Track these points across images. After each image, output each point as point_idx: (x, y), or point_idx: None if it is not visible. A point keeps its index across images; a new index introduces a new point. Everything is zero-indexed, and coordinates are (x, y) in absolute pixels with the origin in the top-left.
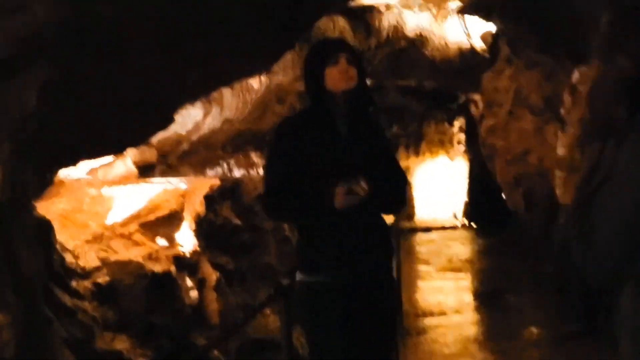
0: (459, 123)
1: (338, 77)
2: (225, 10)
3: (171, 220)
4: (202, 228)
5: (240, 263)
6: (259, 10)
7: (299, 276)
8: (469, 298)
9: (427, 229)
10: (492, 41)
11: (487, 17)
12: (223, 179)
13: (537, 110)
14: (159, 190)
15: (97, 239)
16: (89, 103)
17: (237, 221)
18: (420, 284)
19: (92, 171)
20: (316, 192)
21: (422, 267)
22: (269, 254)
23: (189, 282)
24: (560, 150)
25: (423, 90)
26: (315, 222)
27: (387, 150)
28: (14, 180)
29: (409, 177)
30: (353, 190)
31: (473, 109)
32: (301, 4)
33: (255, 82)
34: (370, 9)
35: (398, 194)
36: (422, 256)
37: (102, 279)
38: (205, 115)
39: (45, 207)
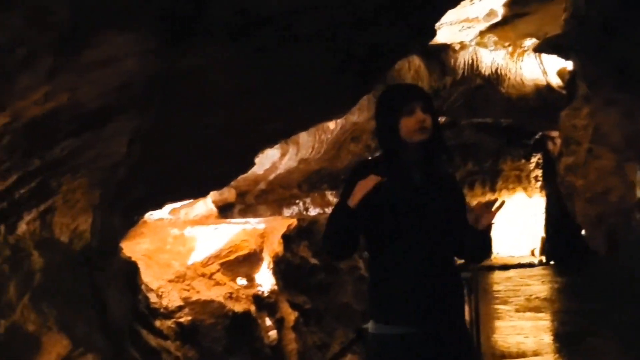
0: (535, 159)
1: (414, 127)
2: (305, 61)
3: (250, 260)
4: (280, 268)
5: (318, 303)
6: (338, 60)
7: (371, 326)
8: (549, 339)
9: (505, 267)
10: (569, 78)
11: (564, 55)
12: (300, 218)
13: (617, 148)
14: (239, 230)
15: (179, 278)
16: (174, 150)
17: (314, 261)
18: (499, 324)
19: (173, 211)
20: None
21: (500, 307)
22: (346, 294)
23: (268, 322)
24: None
25: (499, 126)
26: (385, 256)
27: (463, 199)
28: (103, 226)
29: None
30: None
31: (550, 145)
32: (378, 54)
33: (331, 122)
34: (445, 48)
35: (486, 244)
36: (500, 295)
37: (185, 318)
38: (282, 155)
39: (130, 248)
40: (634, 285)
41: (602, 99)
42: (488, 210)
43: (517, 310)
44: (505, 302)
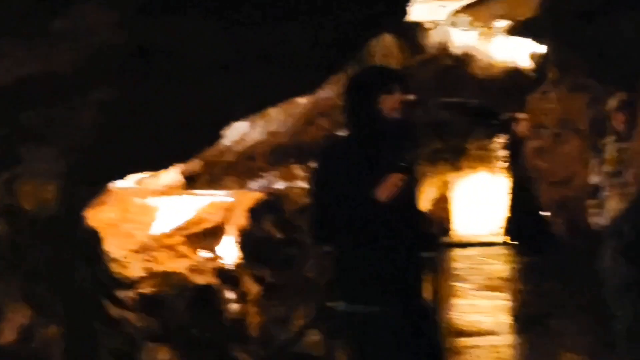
0: (501, 140)
1: (395, 105)
2: (279, 37)
3: (215, 233)
4: (245, 241)
5: (281, 277)
6: (311, 36)
7: (340, 306)
8: (507, 319)
9: (466, 245)
10: (540, 62)
11: (536, 39)
12: (267, 192)
13: (584, 134)
14: (205, 202)
15: (142, 248)
16: (143, 122)
17: (279, 234)
18: (457, 302)
19: (139, 180)
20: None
21: (460, 284)
22: (310, 268)
23: (230, 295)
24: (593, 179)
25: (466, 106)
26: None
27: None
28: (68, 195)
29: (448, 191)
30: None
31: (516, 127)
32: (351, 31)
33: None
34: (417, 26)
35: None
36: (461, 273)
37: (147, 289)
38: (251, 127)
39: (94, 216)
40: (593, 269)
41: (572, 84)
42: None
43: (477, 289)
44: (465, 280)
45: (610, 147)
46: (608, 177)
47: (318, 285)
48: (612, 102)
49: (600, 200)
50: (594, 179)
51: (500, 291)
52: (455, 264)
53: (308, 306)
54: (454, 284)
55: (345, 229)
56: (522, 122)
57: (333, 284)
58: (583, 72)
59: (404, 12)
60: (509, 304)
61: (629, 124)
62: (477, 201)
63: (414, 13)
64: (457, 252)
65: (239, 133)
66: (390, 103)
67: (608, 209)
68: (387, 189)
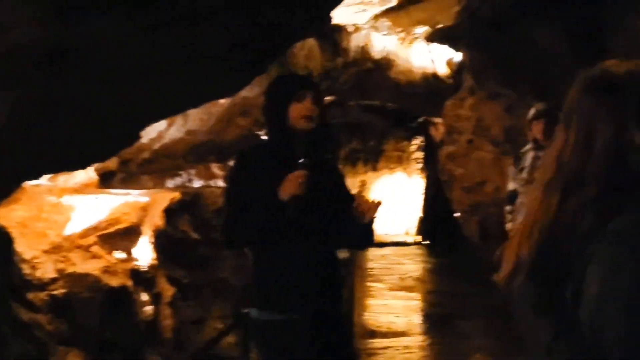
0: (417, 141)
1: (302, 114)
2: (202, 39)
3: (130, 234)
4: (160, 242)
5: (196, 277)
6: (235, 39)
7: (254, 313)
8: (418, 319)
9: (380, 244)
10: (457, 69)
11: (453, 46)
12: (184, 191)
13: (497, 141)
14: (120, 202)
15: (55, 249)
16: (60, 121)
17: (195, 235)
18: (372, 302)
19: (52, 177)
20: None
21: (373, 285)
22: (225, 269)
23: (144, 297)
24: (511, 186)
25: (385, 108)
26: (272, 245)
27: (347, 189)
28: None
29: (365, 191)
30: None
31: (432, 130)
32: (275, 35)
33: None
34: (339, 29)
35: (368, 235)
36: (375, 272)
37: (59, 291)
38: (169, 125)
39: (4, 215)
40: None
41: (487, 92)
42: (370, 205)
43: (390, 289)
44: (379, 280)
45: (528, 155)
46: (525, 184)
47: (234, 286)
48: (531, 111)
49: (516, 207)
50: (512, 185)
51: (413, 291)
52: (370, 264)
53: (224, 307)
54: (368, 284)
55: (258, 232)
56: (438, 126)
57: (248, 288)
58: (498, 81)
59: (329, 20)
60: (422, 304)
61: (546, 133)
62: (394, 201)
63: (337, 15)
64: (373, 252)
65: (156, 131)
66: (298, 110)
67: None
68: (287, 187)
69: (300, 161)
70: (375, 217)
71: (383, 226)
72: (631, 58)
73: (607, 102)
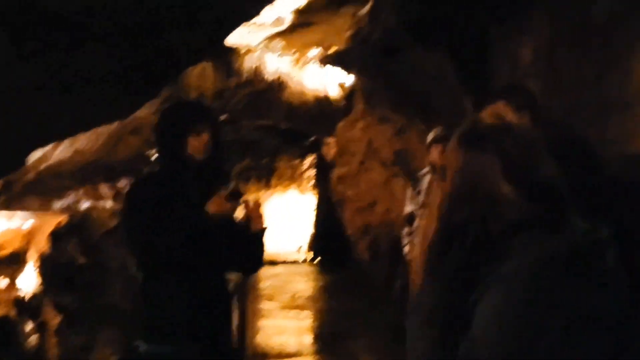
0: (310, 159)
1: (201, 147)
2: (95, 62)
3: (14, 261)
4: (46, 267)
5: (84, 303)
6: (128, 62)
7: (142, 346)
8: (310, 340)
9: (272, 262)
10: (349, 92)
11: (345, 69)
12: (71, 214)
13: (387, 163)
14: (3, 228)
15: None
16: None
17: (83, 259)
18: (264, 323)
19: None
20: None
21: (265, 305)
22: (114, 294)
23: (29, 326)
24: (408, 208)
25: (278, 128)
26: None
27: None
28: None
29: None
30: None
31: (324, 149)
32: (170, 59)
33: None
34: (232, 50)
35: (258, 251)
36: (266, 292)
37: None
38: (56, 144)
39: None
40: (391, 290)
41: (377, 116)
42: (257, 212)
43: (282, 308)
44: (270, 300)
45: (426, 178)
46: (422, 208)
47: (123, 310)
48: (430, 136)
49: (413, 229)
50: (409, 208)
51: (305, 310)
52: (262, 284)
53: (112, 333)
54: (260, 304)
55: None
56: (330, 145)
57: (142, 326)
58: (388, 105)
59: (224, 44)
60: (313, 323)
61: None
62: (286, 219)
63: (230, 37)
64: (265, 271)
65: (42, 150)
66: (197, 143)
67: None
68: (216, 208)
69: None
70: (265, 228)
71: (275, 244)
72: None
73: (476, 155)
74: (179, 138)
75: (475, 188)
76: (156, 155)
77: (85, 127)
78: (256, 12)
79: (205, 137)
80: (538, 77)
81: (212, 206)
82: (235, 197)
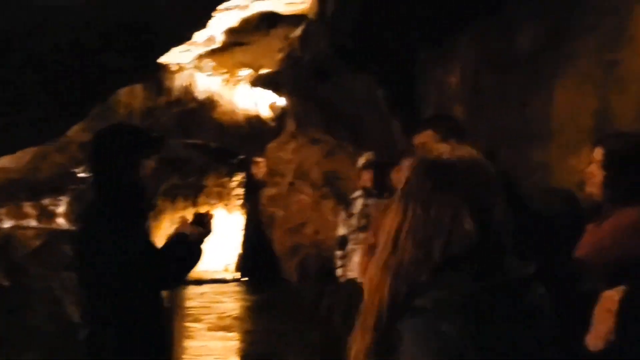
0: (238, 178)
1: (148, 173)
2: (22, 84)
3: None
4: None
5: (6, 326)
6: (57, 85)
7: None
8: None
9: (199, 282)
10: (280, 114)
11: (276, 91)
12: None
13: (317, 184)
14: None
15: None
16: None
17: (6, 282)
18: (190, 344)
19: None
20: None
21: (192, 325)
22: (38, 316)
23: None
24: (341, 231)
25: (207, 146)
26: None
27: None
28: None
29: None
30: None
31: (253, 168)
32: (101, 81)
33: None
34: (163, 68)
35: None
36: (193, 312)
37: None
38: None
39: None
40: (319, 310)
41: (308, 138)
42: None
43: (209, 329)
44: (197, 320)
45: (358, 202)
46: (354, 230)
47: (48, 333)
48: (360, 161)
49: (346, 252)
50: (342, 230)
51: (232, 331)
52: (189, 303)
53: (36, 356)
54: (187, 324)
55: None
56: (259, 164)
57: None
58: (319, 127)
59: (155, 65)
60: (240, 344)
61: (376, 182)
62: (213, 237)
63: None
64: (192, 291)
65: None
66: (151, 165)
67: (353, 261)
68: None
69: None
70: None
71: (202, 262)
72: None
73: (441, 187)
74: (133, 160)
75: (441, 222)
76: (95, 177)
77: (12, 149)
78: (189, 36)
79: (153, 163)
80: (464, 103)
81: (178, 227)
82: (200, 220)
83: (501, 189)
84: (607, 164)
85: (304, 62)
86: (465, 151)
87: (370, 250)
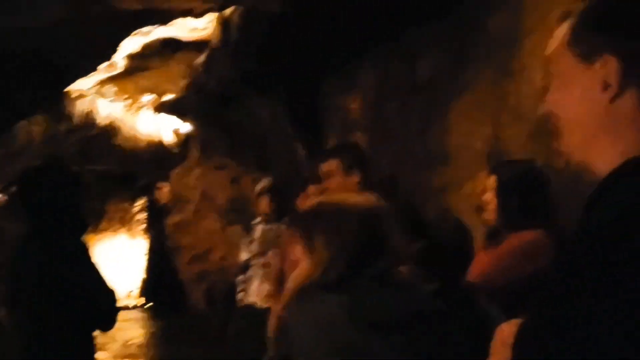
0: (140, 202)
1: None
2: None
3: None
4: None
5: None
6: None
7: None
8: None
9: None
10: (184, 140)
11: (181, 117)
12: None
13: (222, 210)
14: None
15: None
16: None
17: None
18: None
19: None
20: None
21: (96, 356)
22: None
23: None
24: (243, 257)
25: (108, 172)
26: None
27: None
28: None
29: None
30: None
31: (156, 193)
32: (3, 112)
33: None
34: (63, 95)
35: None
36: (97, 341)
37: None
38: None
39: None
40: (226, 335)
41: (213, 164)
42: None
43: (114, 358)
44: (102, 349)
45: (258, 228)
46: (255, 256)
47: None
48: (257, 187)
49: (247, 277)
50: (244, 256)
51: (138, 359)
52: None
53: None
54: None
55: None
56: (163, 189)
57: None
58: (224, 152)
59: (61, 96)
60: None
61: (272, 207)
62: (116, 263)
63: None
64: None
65: None
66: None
67: (254, 287)
68: None
69: None
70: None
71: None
72: (344, 134)
73: (323, 231)
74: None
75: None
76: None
77: None
78: (93, 68)
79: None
80: (366, 130)
81: None
82: None
83: (392, 221)
84: (500, 192)
85: (208, 88)
86: (356, 198)
87: (279, 275)
